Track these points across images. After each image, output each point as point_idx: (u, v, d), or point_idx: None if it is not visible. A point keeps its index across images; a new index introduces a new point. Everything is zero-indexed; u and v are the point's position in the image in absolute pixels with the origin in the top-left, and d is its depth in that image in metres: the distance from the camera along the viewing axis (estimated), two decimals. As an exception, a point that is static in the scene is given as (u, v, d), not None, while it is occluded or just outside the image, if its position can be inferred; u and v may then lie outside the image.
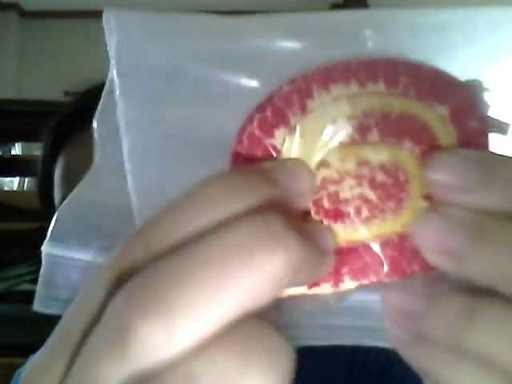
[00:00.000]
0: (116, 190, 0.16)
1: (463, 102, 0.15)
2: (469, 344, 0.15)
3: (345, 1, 3.66)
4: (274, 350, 0.12)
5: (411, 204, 0.15)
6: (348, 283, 0.16)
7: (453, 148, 0.15)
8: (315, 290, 0.16)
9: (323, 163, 0.15)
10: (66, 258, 0.16)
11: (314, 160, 0.15)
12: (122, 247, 0.14)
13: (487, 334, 0.15)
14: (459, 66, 0.15)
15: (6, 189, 2.19)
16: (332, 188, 0.15)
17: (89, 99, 0.47)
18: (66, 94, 3.82)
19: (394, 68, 0.15)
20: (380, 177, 0.15)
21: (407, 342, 0.16)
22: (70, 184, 0.44)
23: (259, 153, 0.15)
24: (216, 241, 0.13)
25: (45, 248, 0.17)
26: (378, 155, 0.15)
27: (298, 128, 0.15)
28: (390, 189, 0.15)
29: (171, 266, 0.13)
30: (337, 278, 0.15)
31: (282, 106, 0.15)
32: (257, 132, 0.15)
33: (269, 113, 0.15)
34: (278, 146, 0.15)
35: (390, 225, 0.15)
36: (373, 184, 0.15)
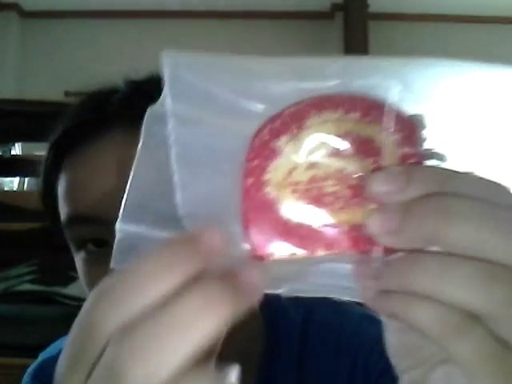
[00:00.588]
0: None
1: (409, 132, 0.21)
2: (415, 286, 0.20)
3: (345, 1, 3.66)
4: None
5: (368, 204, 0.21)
6: (320, 252, 0.22)
7: (388, 167, 0.21)
8: (295, 256, 0.22)
9: (314, 165, 0.21)
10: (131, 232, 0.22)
11: (304, 159, 0.21)
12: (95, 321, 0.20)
13: (427, 276, 0.20)
14: (411, 106, 0.22)
15: (5, 189, 2.19)
16: (319, 183, 0.21)
17: (87, 113, 0.46)
18: (66, 94, 3.83)
19: (366, 102, 0.21)
20: (352, 181, 0.21)
21: (374, 297, 0.21)
22: (74, 203, 0.45)
23: (266, 152, 0.21)
24: (166, 316, 0.19)
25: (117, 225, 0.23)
26: (352, 165, 0.21)
27: (298, 137, 0.21)
28: (358, 189, 0.21)
29: (145, 331, 0.19)
30: (313, 247, 0.22)
31: (288, 120, 0.21)
32: (267, 136, 0.21)
33: (278, 124, 0.21)
34: (282, 147, 0.21)
35: (356, 214, 0.21)
36: (347, 185, 0.21)
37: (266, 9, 3.82)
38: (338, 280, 0.22)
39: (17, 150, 2.17)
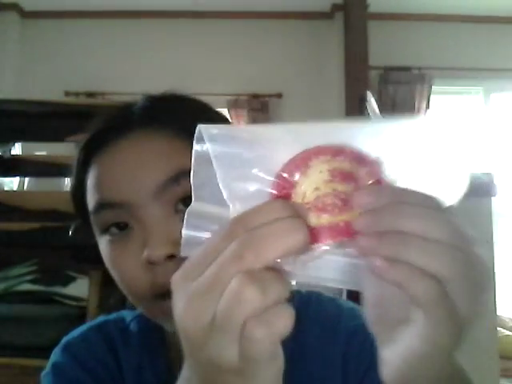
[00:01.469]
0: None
1: (373, 166, 0.35)
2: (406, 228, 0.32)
3: (345, 1, 3.66)
4: (281, 279, 0.32)
5: (354, 209, 0.34)
6: (329, 241, 0.34)
7: (368, 187, 0.35)
8: (317, 245, 0.34)
9: (317, 188, 0.35)
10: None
11: (311, 186, 0.34)
12: (229, 228, 0.33)
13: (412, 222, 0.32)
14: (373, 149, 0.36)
15: (5, 189, 2.19)
16: (322, 199, 0.35)
17: (113, 119, 0.58)
18: (66, 93, 3.83)
19: (344, 149, 0.35)
20: (342, 196, 0.34)
21: (380, 265, 0.32)
22: (101, 192, 0.54)
23: (287, 185, 0.34)
24: (273, 227, 0.32)
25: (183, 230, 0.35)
26: (340, 187, 0.35)
27: (305, 173, 0.34)
28: (346, 201, 0.34)
29: (256, 235, 0.32)
30: (324, 238, 0.34)
31: (298, 162, 0.35)
32: (284, 173, 0.34)
33: (292, 165, 0.34)
34: (297, 180, 0.34)
35: (348, 216, 0.34)
36: (339, 199, 0.34)
37: (266, 9, 3.82)
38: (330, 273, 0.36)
39: (17, 150, 2.17)
